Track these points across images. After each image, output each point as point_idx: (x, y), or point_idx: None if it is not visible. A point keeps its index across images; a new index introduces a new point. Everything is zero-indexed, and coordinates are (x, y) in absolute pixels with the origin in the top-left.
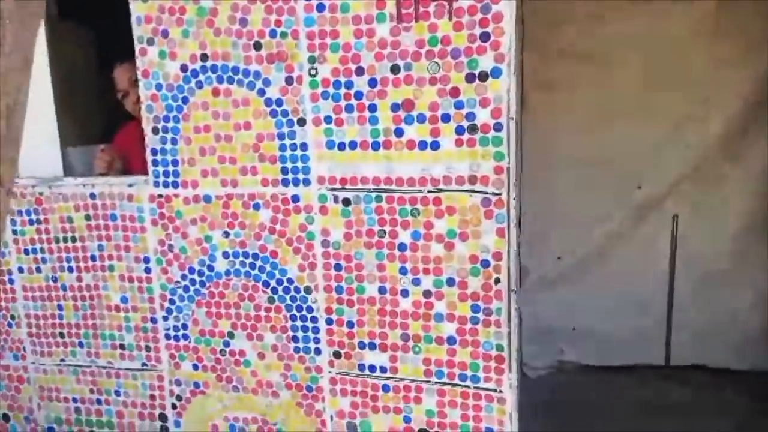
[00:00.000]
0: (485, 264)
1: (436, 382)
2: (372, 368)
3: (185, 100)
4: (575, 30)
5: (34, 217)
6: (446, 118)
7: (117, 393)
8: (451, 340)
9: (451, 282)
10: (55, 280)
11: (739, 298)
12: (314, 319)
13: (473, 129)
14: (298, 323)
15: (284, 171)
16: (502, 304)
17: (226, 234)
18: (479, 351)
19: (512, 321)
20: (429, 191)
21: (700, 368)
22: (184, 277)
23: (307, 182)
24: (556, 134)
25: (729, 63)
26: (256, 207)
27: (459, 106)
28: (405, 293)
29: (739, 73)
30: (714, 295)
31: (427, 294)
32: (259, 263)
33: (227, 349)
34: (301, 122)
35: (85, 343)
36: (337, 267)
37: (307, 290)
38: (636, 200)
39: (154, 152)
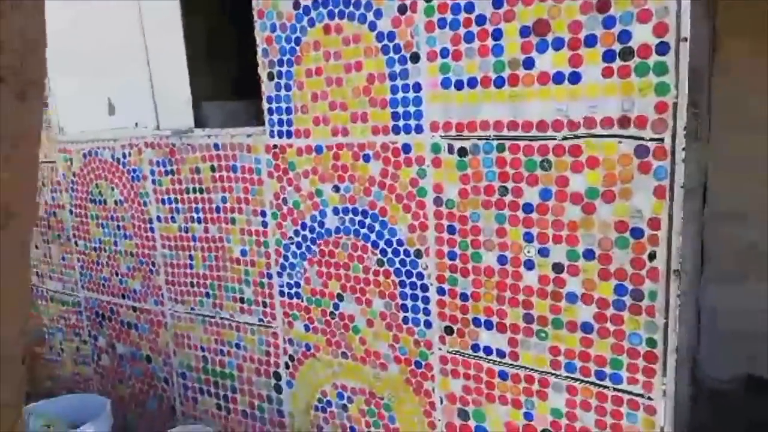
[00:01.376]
0: (637, 233)
1: (565, 377)
2: (488, 350)
3: (298, 41)
4: None
5: (168, 167)
6: (591, 41)
7: (237, 346)
8: (586, 328)
9: (589, 255)
10: (186, 230)
11: None
12: (424, 288)
13: (627, 54)
14: (408, 290)
15: (395, 116)
16: (658, 287)
17: (336, 188)
18: (623, 344)
19: (672, 311)
20: (564, 138)
21: None
22: (296, 233)
23: (419, 129)
24: (755, 77)
25: None
26: (366, 158)
27: (609, 23)
28: (530, 265)
29: None
30: None
31: (557, 268)
32: (368, 221)
33: (336, 312)
34: (415, 58)
35: (211, 294)
36: (451, 229)
37: (418, 254)
38: None
39: (269, 100)
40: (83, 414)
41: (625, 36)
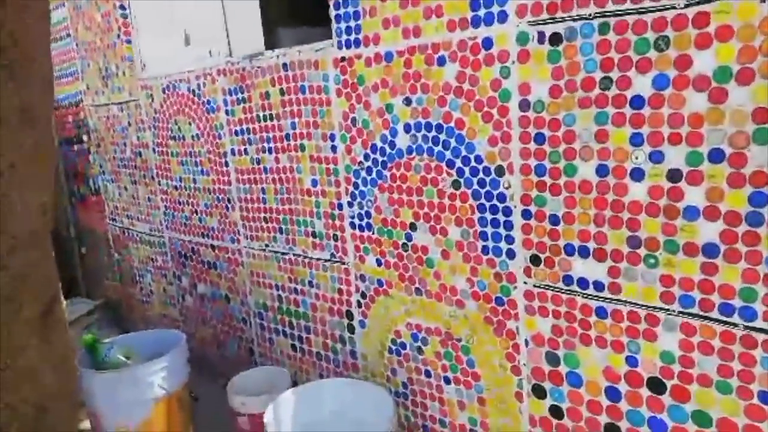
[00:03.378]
0: None
1: (680, 312)
2: (583, 283)
3: None
4: None
5: (240, 95)
6: None
7: (311, 284)
8: (710, 250)
9: (717, 156)
10: (258, 161)
11: None
12: (507, 211)
13: None
14: (487, 215)
15: (474, 5)
16: None
17: (408, 101)
18: (759, 270)
19: None
20: (688, 4)
21: None
22: (366, 156)
23: (502, 17)
24: None
25: None
26: (441, 62)
27: None
28: (638, 175)
29: None
30: None
31: (673, 176)
32: (443, 137)
33: (409, 244)
34: None
35: (284, 230)
36: (539, 138)
37: (499, 171)
38: None
39: (336, 5)
40: (162, 347)
41: None
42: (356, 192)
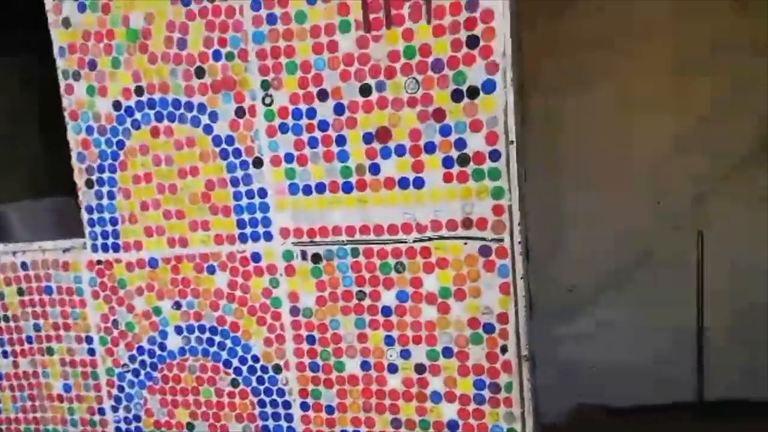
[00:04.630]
0: (488, 329)
1: None
2: None
3: (121, 145)
4: (584, 17)
5: None
6: (430, 147)
7: None
8: (452, 426)
9: (447, 353)
10: None
11: None
12: (287, 404)
13: (464, 160)
14: (268, 410)
15: (241, 224)
16: (512, 378)
17: (177, 305)
18: None
19: (526, 398)
20: (415, 240)
21: (740, 404)
22: (132, 358)
23: (268, 236)
24: (565, 144)
25: (762, 46)
26: (211, 270)
27: (445, 131)
28: (393, 368)
29: None
30: (750, 320)
31: (419, 369)
32: (218, 339)
33: None
34: (257, 163)
35: None
36: (310, 339)
37: (277, 369)
38: (658, 216)
39: (89, 210)
40: None
41: (460, 143)
42: (121, 395)
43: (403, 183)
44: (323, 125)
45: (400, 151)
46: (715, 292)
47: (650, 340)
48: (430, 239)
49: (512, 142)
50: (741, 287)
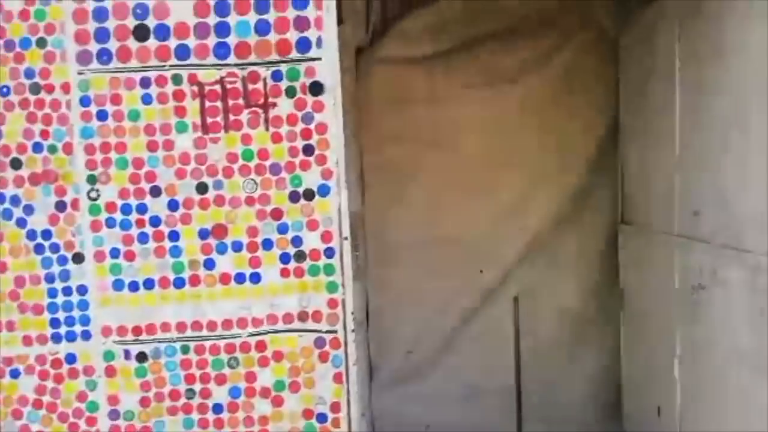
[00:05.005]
0: (322, 418)
1: None
2: None
3: None
4: (413, 112)
5: None
6: (268, 244)
7: None
8: None
9: None
10: None
11: (585, 373)
12: None
13: (300, 256)
14: None
15: (54, 323)
16: None
17: None
18: None
19: None
20: (250, 334)
21: None
22: None
23: (86, 335)
24: (398, 216)
25: (565, 137)
26: (14, 374)
27: (282, 229)
28: None
29: (571, 151)
30: (562, 379)
31: None
32: None
33: None
34: (78, 258)
35: None
36: None
37: None
38: (480, 285)
39: None
40: None
41: (297, 241)
42: None
43: (239, 278)
44: (155, 221)
45: (237, 247)
46: (530, 353)
47: (477, 400)
48: (265, 333)
49: (346, 238)
50: (553, 349)
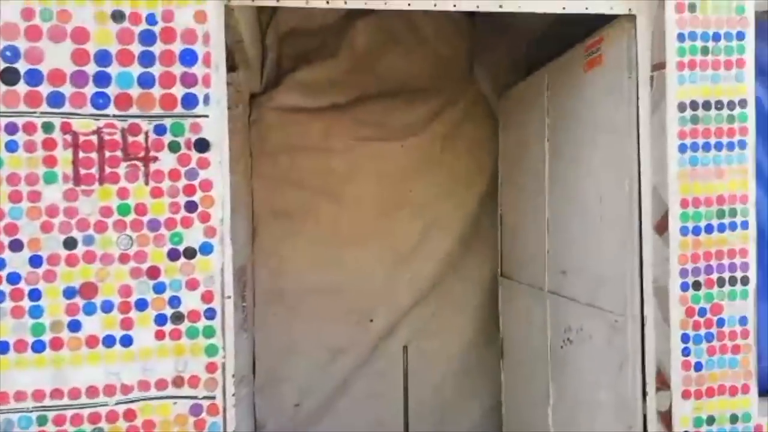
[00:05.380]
0: None
1: None
2: None
3: None
4: (306, 161)
5: None
6: (142, 304)
7: None
8: None
9: None
10: None
11: (471, 420)
12: None
13: (178, 318)
14: None
15: None
16: None
17: None
18: None
19: None
20: (118, 402)
21: None
22: None
23: None
24: (289, 266)
25: (449, 192)
26: None
27: (159, 289)
28: None
29: (459, 201)
30: (447, 421)
31: None
32: None
33: None
34: None
35: None
36: None
37: None
38: (370, 334)
39: None
40: None
41: (175, 301)
42: None
43: (108, 341)
44: (13, 278)
45: (107, 307)
46: (418, 402)
47: None
48: (135, 401)
49: (229, 297)
50: (440, 397)
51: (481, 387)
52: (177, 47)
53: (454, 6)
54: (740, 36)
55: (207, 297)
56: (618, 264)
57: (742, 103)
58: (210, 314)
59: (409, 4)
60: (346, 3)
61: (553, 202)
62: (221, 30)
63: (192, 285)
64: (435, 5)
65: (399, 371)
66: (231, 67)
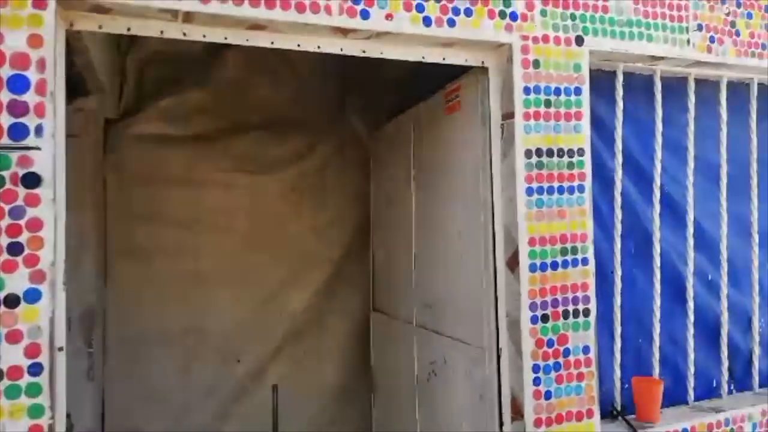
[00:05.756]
0: None
1: None
2: None
3: None
4: (167, 193)
5: None
6: None
7: None
8: None
9: None
10: None
11: None
12: None
13: None
14: None
15: None
16: None
17: None
18: None
19: None
20: None
21: None
22: None
23: None
24: (148, 307)
25: (321, 226)
26: None
27: None
28: None
29: (328, 240)
30: None
31: None
32: None
33: None
34: None
35: None
36: None
37: None
38: (237, 375)
39: None
40: None
41: None
42: None
43: None
44: None
45: None
46: None
47: None
48: None
49: (60, 349)
50: (314, 429)
51: (354, 419)
52: (4, 72)
53: (318, 47)
54: (577, 91)
55: (32, 350)
56: (476, 298)
57: (580, 152)
58: (35, 370)
59: (272, 42)
60: (204, 37)
61: (419, 238)
62: (61, 56)
63: (13, 337)
64: (299, 45)
65: (269, 411)
66: (83, 92)
